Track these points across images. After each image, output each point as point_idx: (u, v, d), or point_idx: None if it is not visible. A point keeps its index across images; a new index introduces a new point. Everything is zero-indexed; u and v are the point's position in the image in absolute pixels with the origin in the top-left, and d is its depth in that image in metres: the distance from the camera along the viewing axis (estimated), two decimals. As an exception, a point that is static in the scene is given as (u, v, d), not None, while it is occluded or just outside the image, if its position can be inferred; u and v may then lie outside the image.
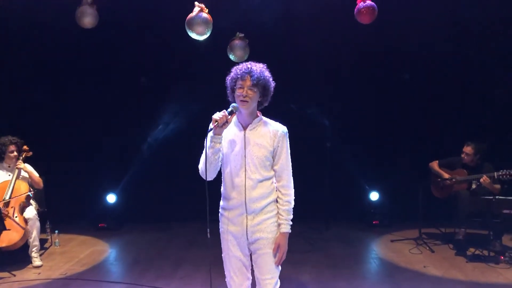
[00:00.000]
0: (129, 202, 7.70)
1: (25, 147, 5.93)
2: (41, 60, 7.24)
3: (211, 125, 2.73)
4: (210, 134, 2.77)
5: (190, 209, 7.72)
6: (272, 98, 2.91)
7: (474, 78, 7.21)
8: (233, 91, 2.86)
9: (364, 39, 6.35)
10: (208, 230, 2.82)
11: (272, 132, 2.89)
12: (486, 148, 6.11)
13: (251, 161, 2.85)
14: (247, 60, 5.70)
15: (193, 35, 4.87)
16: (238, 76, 2.80)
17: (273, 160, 2.92)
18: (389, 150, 7.63)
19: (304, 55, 6.90)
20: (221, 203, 3.03)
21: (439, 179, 6.36)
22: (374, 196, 7.69)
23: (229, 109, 2.79)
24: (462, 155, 6.17)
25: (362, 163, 7.52)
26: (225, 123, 2.73)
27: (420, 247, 6.24)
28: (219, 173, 2.96)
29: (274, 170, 2.93)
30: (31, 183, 5.87)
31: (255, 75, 2.78)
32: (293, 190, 2.96)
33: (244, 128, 2.91)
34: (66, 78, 7.49)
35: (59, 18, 5.89)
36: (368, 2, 4.47)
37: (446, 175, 6.30)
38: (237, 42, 5.79)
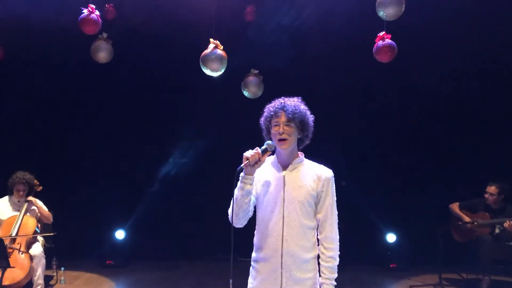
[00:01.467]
0: (138, 239, 7.53)
1: (35, 181, 5.86)
2: (51, 94, 7.23)
3: (242, 165, 2.44)
4: (240, 174, 2.46)
5: (199, 248, 7.54)
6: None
7: (496, 116, 7.04)
8: (268, 131, 2.59)
9: (380, 76, 6.27)
10: (231, 281, 2.48)
11: (316, 175, 2.56)
12: (510, 189, 5.88)
13: (291, 206, 2.51)
14: (261, 97, 5.75)
15: (208, 72, 4.82)
16: (272, 113, 2.55)
17: (316, 208, 2.56)
18: (407, 190, 7.40)
19: (319, 92, 6.81)
20: (253, 254, 2.64)
21: (460, 223, 6.10)
22: (391, 238, 7.39)
23: (263, 147, 2.50)
24: (486, 195, 5.94)
25: (379, 203, 7.29)
26: (257, 161, 2.43)
27: (440, 294, 5.94)
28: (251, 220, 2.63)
29: (317, 220, 2.57)
30: (41, 218, 5.76)
31: (290, 109, 2.52)
32: (338, 244, 2.57)
33: (284, 168, 2.59)
34: (76, 113, 7.50)
35: (72, 52, 5.92)
36: (388, 41, 4.39)
37: (467, 219, 6.04)
38: (251, 78, 5.72)
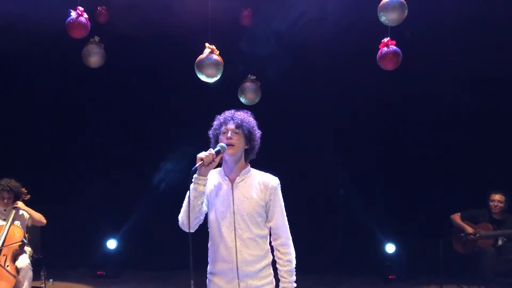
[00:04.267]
0: (130, 248, 7.39)
1: (23, 189, 5.66)
2: (43, 99, 7.11)
3: (196, 165, 2.52)
4: (194, 175, 2.56)
5: (194, 258, 7.35)
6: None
7: (497, 126, 6.94)
8: (217, 141, 2.69)
9: (382, 86, 6.17)
10: (193, 282, 2.57)
11: (263, 184, 2.66)
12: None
13: (241, 218, 2.61)
14: (258, 104, 5.61)
15: (203, 77, 4.68)
16: (221, 122, 2.68)
17: (267, 216, 2.67)
18: (406, 199, 7.28)
19: (318, 98, 6.73)
20: (208, 267, 2.76)
21: (462, 234, 5.97)
22: (390, 248, 7.22)
23: (216, 148, 2.59)
24: (492, 204, 5.80)
25: (378, 212, 7.20)
26: (211, 162, 2.53)
27: (441, 306, 5.81)
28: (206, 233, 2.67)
29: (268, 228, 2.69)
30: (33, 222, 5.56)
31: (239, 118, 2.66)
32: (293, 247, 2.70)
33: (231, 181, 2.68)
34: (67, 119, 7.38)
35: (65, 56, 5.77)
36: (392, 47, 4.25)
37: (470, 229, 5.90)
38: (248, 84, 5.64)
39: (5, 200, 5.46)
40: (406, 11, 4.23)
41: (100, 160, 7.39)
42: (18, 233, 5.39)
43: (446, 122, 7.10)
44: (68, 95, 7.10)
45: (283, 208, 2.70)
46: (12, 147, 7.23)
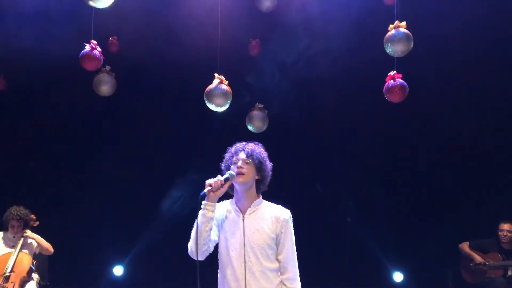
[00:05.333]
0: (138, 275, 7.33)
1: (32, 216, 5.69)
2: (51, 128, 7.17)
3: (205, 190, 2.54)
4: (203, 201, 2.57)
5: (203, 285, 7.29)
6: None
7: (506, 153, 6.90)
8: (228, 170, 2.69)
9: (387, 117, 6.21)
10: None
11: (275, 217, 2.65)
12: None
13: (251, 250, 2.58)
14: (265, 131, 5.67)
15: (212, 107, 4.75)
16: (232, 153, 2.72)
17: (277, 249, 2.64)
18: (415, 228, 7.19)
19: (325, 126, 6.76)
20: None
21: (471, 263, 5.89)
22: (398, 277, 7.18)
23: (225, 176, 2.60)
24: (503, 233, 5.75)
25: (385, 240, 7.12)
26: (219, 188, 2.54)
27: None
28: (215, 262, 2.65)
29: (278, 261, 2.64)
30: (41, 250, 5.59)
31: (250, 149, 2.69)
32: (300, 283, 2.67)
33: (243, 212, 2.67)
34: (75, 146, 7.38)
35: (75, 85, 5.88)
36: (399, 81, 4.30)
37: (479, 259, 5.85)
38: (256, 112, 5.70)
39: (15, 229, 5.50)
40: (412, 42, 4.30)
41: (107, 186, 7.40)
42: (26, 260, 5.40)
43: (454, 149, 7.07)
44: (77, 122, 7.16)
45: (294, 242, 2.68)
46: (22, 172, 7.26)
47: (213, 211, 2.55)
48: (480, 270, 5.81)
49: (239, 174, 2.60)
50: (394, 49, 4.27)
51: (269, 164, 2.74)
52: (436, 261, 6.58)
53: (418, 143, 7.08)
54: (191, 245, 2.57)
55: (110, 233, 7.23)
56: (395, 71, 4.36)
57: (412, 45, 4.28)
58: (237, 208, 2.68)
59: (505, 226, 5.76)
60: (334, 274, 6.98)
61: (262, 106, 5.72)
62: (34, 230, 5.69)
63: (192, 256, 2.58)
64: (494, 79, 6.00)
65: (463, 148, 7.02)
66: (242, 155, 2.66)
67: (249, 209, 2.66)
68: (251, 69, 5.72)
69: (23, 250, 5.47)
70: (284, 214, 2.67)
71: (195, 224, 2.57)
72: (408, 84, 4.35)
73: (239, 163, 2.63)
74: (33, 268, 5.49)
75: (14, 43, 5.46)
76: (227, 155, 2.75)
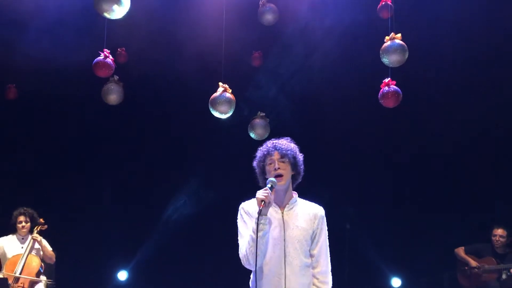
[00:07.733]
0: (142, 281, 7.41)
1: (41, 220, 5.82)
2: (61, 137, 7.32)
3: (261, 207, 2.53)
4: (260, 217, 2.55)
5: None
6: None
7: (505, 161, 7.02)
8: (263, 171, 2.72)
9: (385, 124, 6.37)
10: None
11: (312, 214, 2.70)
12: None
13: (292, 245, 2.61)
14: (268, 138, 5.83)
15: (216, 114, 4.96)
16: (265, 153, 2.69)
17: (311, 244, 2.69)
18: (412, 233, 7.30)
19: (325, 134, 6.91)
20: None
21: (466, 267, 6.04)
22: (396, 282, 7.28)
23: (269, 185, 2.59)
24: (494, 238, 5.90)
25: (383, 246, 7.21)
26: (270, 201, 2.54)
27: None
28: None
29: (311, 256, 2.69)
30: (43, 258, 5.70)
31: (283, 147, 2.67)
32: (331, 278, 2.72)
33: (281, 209, 2.69)
34: (83, 152, 7.51)
35: (85, 93, 6.05)
36: (393, 87, 4.53)
37: (474, 263, 5.99)
38: (258, 120, 5.85)
39: (23, 224, 5.57)
40: (407, 53, 4.51)
41: (113, 191, 7.51)
42: (35, 262, 5.51)
43: (451, 157, 7.18)
44: (85, 131, 7.32)
45: (327, 238, 2.74)
46: (33, 179, 7.37)
47: (267, 224, 2.56)
48: (475, 274, 5.94)
49: (278, 176, 2.62)
50: (390, 60, 4.46)
51: (301, 157, 2.75)
52: (434, 266, 6.65)
53: (416, 150, 7.17)
54: (246, 256, 2.57)
55: (115, 238, 7.30)
56: (389, 78, 4.58)
57: (407, 56, 4.48)
58: (276, 205, 2.68)
59: (498, 231, 5.89)
60: (333, 279, 7.00)
61: (263, 114, 5.88)
62: (42, 233, 5.81)
63: (247, 265, 2.61)
64: (488, 85, 6.15)
65: (460, 155, 7.12)
66: (277, 155, 2.64)
67: (287, 205, 2.69)
68: (253, 79, 5.91)
69: (32, 253, 5.61)
70: (321, 211, 2.73)
71: (243, 233, 2.62)
72: (403, 91, 4.56)
73: (276, 165, 2.63)
74: (41, 270, 5.60)
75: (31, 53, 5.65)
76: (258, 154, 2.73)
